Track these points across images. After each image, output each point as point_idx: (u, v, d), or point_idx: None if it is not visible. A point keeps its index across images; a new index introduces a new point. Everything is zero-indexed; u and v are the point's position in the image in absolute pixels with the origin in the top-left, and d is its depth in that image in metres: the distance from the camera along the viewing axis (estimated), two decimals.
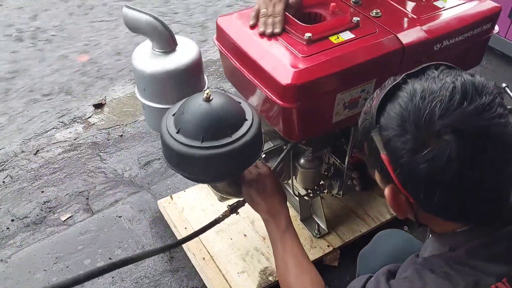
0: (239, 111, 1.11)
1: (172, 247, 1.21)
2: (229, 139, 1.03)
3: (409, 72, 0.74)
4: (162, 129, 1.08)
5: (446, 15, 1.27)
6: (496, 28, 1.33)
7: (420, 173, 0.66)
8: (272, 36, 1.20)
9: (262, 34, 1.21)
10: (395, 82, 0.73)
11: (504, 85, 2.36)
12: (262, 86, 1.17)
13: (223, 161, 1.03)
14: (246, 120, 1.10)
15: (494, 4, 1.30)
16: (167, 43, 1.25)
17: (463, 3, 1.31)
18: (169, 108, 1.17)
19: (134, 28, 1.23)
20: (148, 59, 1.26)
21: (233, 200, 1.29)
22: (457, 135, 0.64)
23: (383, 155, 0.70)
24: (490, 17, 1.29)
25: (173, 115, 1.10)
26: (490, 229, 0.73)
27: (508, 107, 0.70)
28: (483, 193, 0.68)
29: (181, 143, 1.02)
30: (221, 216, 1.23)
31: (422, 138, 0.66)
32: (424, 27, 1.23)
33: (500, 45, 1.30)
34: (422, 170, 0.66)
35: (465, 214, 0.72)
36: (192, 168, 1.06)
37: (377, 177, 0.79)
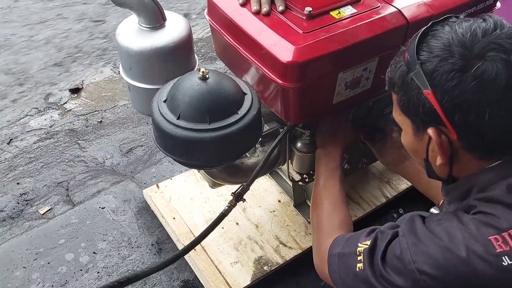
0: (236, 86, 1.05)
1: (182, 255, 1.14)
2: (236, 116, 0.98)
3: (434, 21, 0.79)
4: (157, 119, 0.99)
5: None
6: (498, 4, 1.28)
7: (470, 93, 0.70)
8: (268, 15, 1.12)
9: (257, 13, 1.12)
10: (427, 26, 0.78)
11: None
12: (259, 64, 1.09)
13: (234, 140, 0.98)
14: (246, 94, 1.04)
15: None
16: (155, 18, 1.15)
17: None
18: (157, 88, 1.09)
19: (119, 1, 1.12)
20: (134, 35, 1.16)
21: (230, 187, 1.21)
22: (501, 51, 0.70)
23: (427, 92, 0.73)
24: None
25: (165, 101, 1.02)
26: None
27: None
28: None
29: (186, 128, 0.95)
30: (227, 207, 1.15)
31: (469, 57, 0.70)
32: (428, 2, 1.17)
33: None
34: (472, 88, 0.69)
35: (507, 143, 0.75)
36: (201, 154, 1.00)
37: (408, 132, 0.83)
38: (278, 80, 1.05)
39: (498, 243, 0.70)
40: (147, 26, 1.16)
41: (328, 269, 0.93)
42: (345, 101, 1.18)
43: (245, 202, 1.60)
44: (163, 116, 0.99)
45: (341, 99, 1.17)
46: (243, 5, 1.15)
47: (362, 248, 0.85)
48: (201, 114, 0.97)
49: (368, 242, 0.84)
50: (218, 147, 1.01)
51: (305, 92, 1.08)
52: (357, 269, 0.83)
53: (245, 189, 1.17)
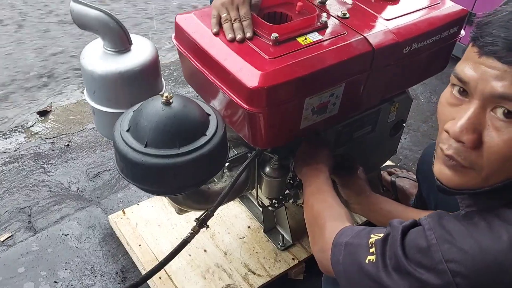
0: (200, 108, 1.05)
1: (139, 284, 1.11)
2: (205, 138, 0.98)
3: None
4: (122, 149, 0.97)
5: (414, 18, 1.23)
6: (463, 32, 1.31)
7: None
8: (243, 41, 1.11)
9: (232, 41, 1.12)
10: None
11: None
12: (226, 89, 1.09)
13: (206, 162, 0.98)
14: (210, 115, 1.04)
15: (461, 7, 1.29)
16: (120, 42, 1.14)
17: (431, 5, 1.28)
18: (122, 113, 1.06)
19: (83, 24, 1.10)
20: (98, 58, 1.14)
21: (199, 213, 1.19)
22: None
23: None
24: (458, 21, 1.27)
25: (128, 130, 1.00)
26: None
27: None
28: None
29: (156, 155, 0.94)
30: (189, 234, 1.12)
31: None
32: (393, 30, 1.19)
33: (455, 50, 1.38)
34: None
35: None
36: (173, 180, 0.99)
37: None
38: (244, 105, 1.04)
39: None
40: (112, 49, 1.14)
41: (331, 259, 0.85)
42: (312, 125, 1.18)
43: (213, 228, 1.60)
44: (129, 145, 0.97)
45: (308, 124, 1.17)
46: (216, 34, 1.14)
47: (374, 239, 0.76)
48: (170, 139, 0.96)
49: (382, 234, 0.76)
50: (190, 171, 1.00)
51: (271, 117, 1.08)
52: (366, 261, 0.75)
53: (209, 215, 1.14)
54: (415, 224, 0.75)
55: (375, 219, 1.21)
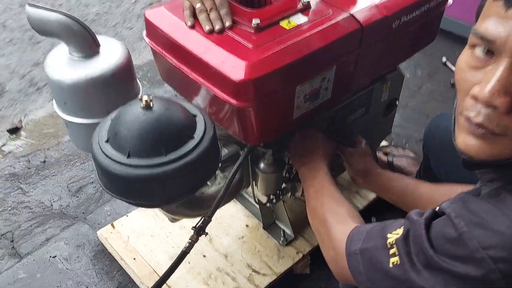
0: (184, 109, 0.96)
1: None
2: (194, 141, 0.90)
3: None
4: (103, 162, 0.89)
5: None
6: (450, 0, 1.25)
7: None
8: (222, 32, 1.02)
9: (211, 32, 1.03)
10: None
11: (444, 59, 2.36)
12: (210, 85, 1.00)
13: (196, 167, 0.90)
14: (196, 115, 0.96)
15: None
16: (87, 46, 1.03)
17: None
18: (98, 122, 0.97)
19: (43, 30, 1.00)
20: (65, 66, 1.03)
21: (191, 220, 1.11)
22: None
23: None
24: None
25: (107, 141, 0.91)
26: None
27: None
28: None
29: (141, 166, 0.86)
30: (188, 244, 1.05)
31: None
32: (380, 4, 1.12)
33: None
34: None
35: None
36: (162, 190, 0.90)
37: None
38: (231, 100, 0.96)
39: None
40: (79, 54, 1.04)
41: (351, 271, 0.78)
42: (306, 114, 1.11)
43: (210, 232, 1.52)
44: (110, 158, 0.89)
45: (301, 112, 1.09)
46: (192, 27, 1.05)
47: (393, 239, 0.70)
48: (155, 147, 0.88)
49: (400, 231, 0.70)
50: (180, 179, 0.92)
51: (262, 110, 1.00)
52: (390, 265, 0.69)
53: (207, 221, 1.07)
54: (436, 214, 0.69)
55: (388, 197, 1.15)
